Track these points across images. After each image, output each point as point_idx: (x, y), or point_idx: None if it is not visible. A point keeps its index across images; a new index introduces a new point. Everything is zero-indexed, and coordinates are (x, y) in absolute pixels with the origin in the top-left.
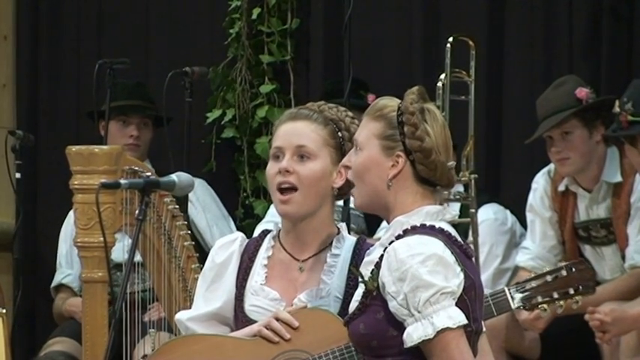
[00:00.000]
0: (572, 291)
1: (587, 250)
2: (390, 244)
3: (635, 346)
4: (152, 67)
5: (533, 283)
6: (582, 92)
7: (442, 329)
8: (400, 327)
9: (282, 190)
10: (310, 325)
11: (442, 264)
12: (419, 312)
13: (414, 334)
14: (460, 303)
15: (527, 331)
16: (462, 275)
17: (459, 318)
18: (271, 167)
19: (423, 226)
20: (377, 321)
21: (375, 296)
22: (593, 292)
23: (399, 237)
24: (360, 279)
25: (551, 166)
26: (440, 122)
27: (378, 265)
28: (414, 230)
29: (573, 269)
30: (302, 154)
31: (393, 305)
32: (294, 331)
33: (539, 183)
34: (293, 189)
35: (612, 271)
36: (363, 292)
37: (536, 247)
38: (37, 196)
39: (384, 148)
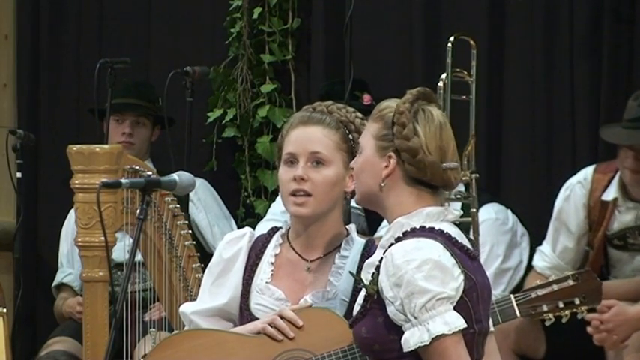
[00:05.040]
0: (577, 301)
1: (616, 254)
2: (389, 246)
3: None
4: (153, 67)
5: (539, 292)
6: None
7: (437, 335)
8: (400, 331)
9: (296, 196)
10: (314, 324)
11: (439, 268)
12: (415, 317)
13: (411, 339)
14: (460, 305)
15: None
16: (461, 277)
17: (455, 323)
18: (285, 173)
19: (422, 228)
20: (378, 325)
21: (376, 300)
22: (598, 303)
23: (398, 239)
24: (360, 283)
25: (587, 173)
26: (435, 123)
27: (378, 268)
28: (413, 233)
29: (580, 279)
30: (317, 161)
31: (391, 310)
32: (298, 329)
33: (575, 192)
34: (307, 195)
35: (634, 272)
36: (365, 296)
37: (555, 258)
38: (38, 195)
39: (379, 149)
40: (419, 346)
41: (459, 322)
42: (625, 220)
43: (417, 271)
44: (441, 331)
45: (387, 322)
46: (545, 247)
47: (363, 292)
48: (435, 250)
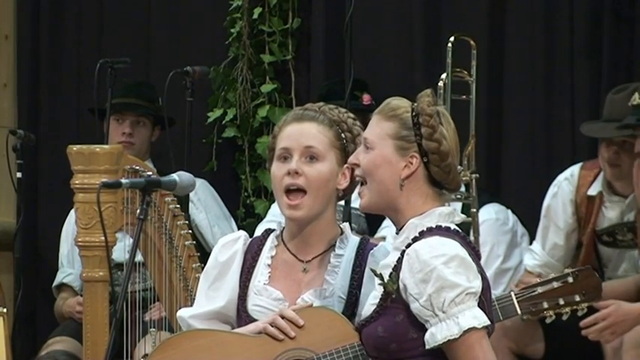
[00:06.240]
0: (578, 298)
1: (606, 251)
2: (407, 246)
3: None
4: (153, 67)
5: (540, 289)
6: None
7: (468, 329)
8: (421, 329)
9: (290, 192)
10: (315, 323)
11: (464, 265)
12: (444, 312)
13: (439, 334)
14: (479, 304)
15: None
16: (479, 276)
17: (483, 318)
18: (278, 168)
19: (438, 227)
20: (396, 324)
21: (395, 299)
22: (598, 300)
23: (415, 239)
24: (378, 281)
25: (574, 170)
26: (452, 125)
27: (396, 268)
28: (430, 232)
29: (580, 276)
30: (311, 155)
31: (415, 307)
32: (299, 329)
33: (562, 188)
34: (301, 191)
35: (626, 271)
36: (382, 295)
37: (545, 256)
38: (38, 195)
39: (399, 149)
40: (447, 340)
41: (485, 318)
42: (611, 216)
43: (446, 266)
44: (472, 324)
45: (407, 321)
46: (535, 245)
47: (377, 293)
48: (458, 247)
